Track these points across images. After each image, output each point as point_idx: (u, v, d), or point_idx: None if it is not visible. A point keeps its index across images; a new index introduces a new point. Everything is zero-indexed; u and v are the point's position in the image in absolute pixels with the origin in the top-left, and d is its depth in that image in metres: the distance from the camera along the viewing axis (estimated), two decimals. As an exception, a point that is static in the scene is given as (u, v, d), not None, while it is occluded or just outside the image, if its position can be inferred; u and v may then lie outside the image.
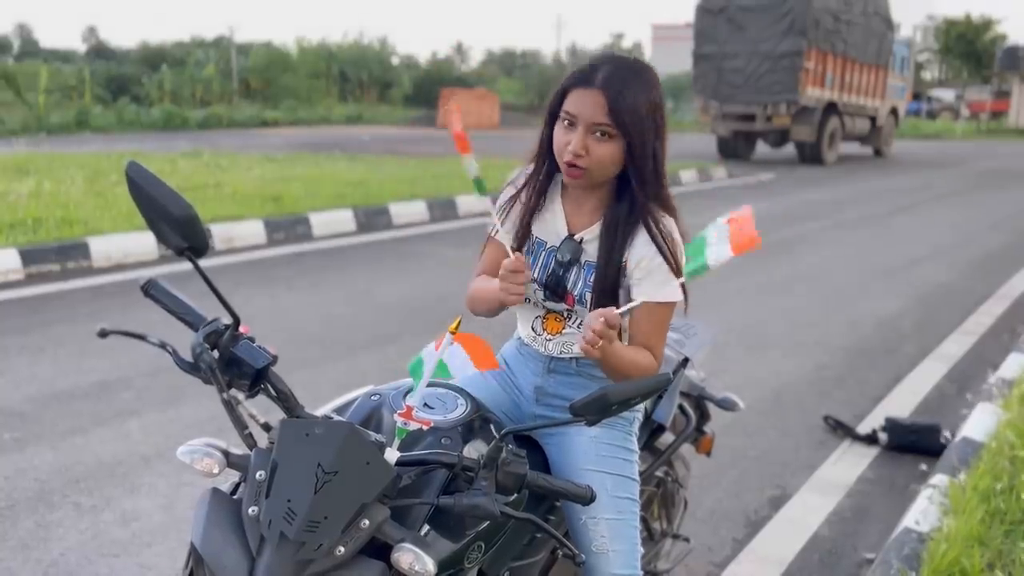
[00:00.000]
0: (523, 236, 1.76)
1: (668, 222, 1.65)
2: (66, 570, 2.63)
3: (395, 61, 42.15)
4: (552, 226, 1.74)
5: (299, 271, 6.80)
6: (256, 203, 8.90)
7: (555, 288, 1.70)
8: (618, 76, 1.58)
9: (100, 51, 45.29)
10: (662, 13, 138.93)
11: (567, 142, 1.60)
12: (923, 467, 3.55)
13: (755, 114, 17.50)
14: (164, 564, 2.67)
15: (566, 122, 1.62)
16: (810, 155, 17.93)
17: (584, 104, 1.59)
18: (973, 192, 14.04)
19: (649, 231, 1.63)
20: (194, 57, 31.77)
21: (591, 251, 1.69)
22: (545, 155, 1.71)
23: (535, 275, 1.72)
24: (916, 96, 36.20)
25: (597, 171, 1.61)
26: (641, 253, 1.64)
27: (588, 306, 1.66)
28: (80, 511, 2.97)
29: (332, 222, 8.56)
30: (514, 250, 1.70)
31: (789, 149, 19.14)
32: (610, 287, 1.66)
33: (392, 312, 5.62)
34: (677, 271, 1.62)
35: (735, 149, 18.56)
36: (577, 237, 1.70)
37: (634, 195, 1.64)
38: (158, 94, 28.47)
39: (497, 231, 1.74)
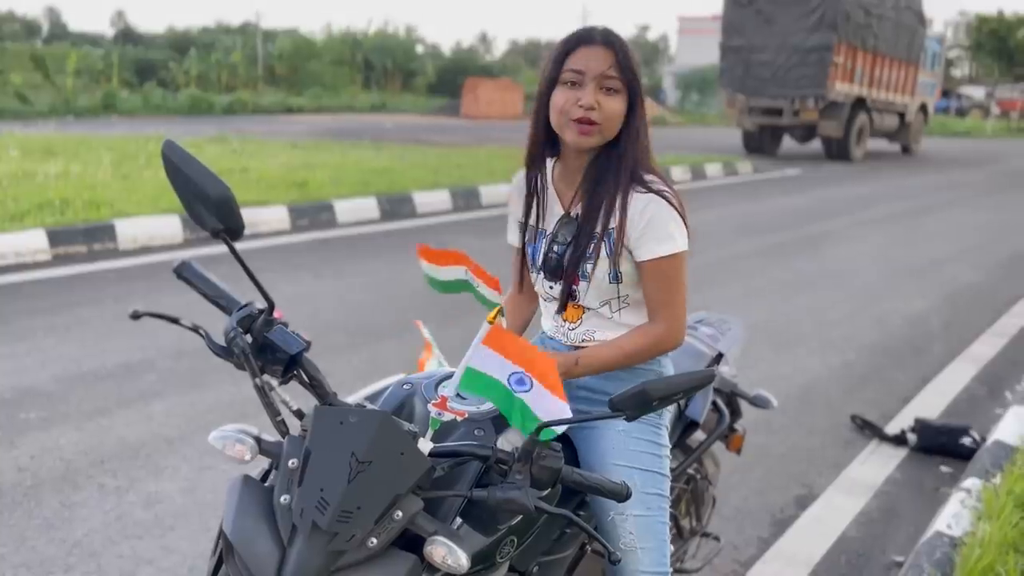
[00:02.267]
0: (531, 231, 1.77)
1: (655, 177, 1.65)
2: (90, 550, 2.64)
3: (420, 50, 42.13)
4: (549, 211, 1.75)
5: (323, 258, 6.80)
6: (281, 189, 8.93)
7: (555, 270, 1.70)
8: (616, 36, 1.64)
9: (128, 35, 45.56)
10: (689, 5, 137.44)
11: (576, 99, 1.59)
12: (943, 468, 3.50)
13: (782, 108, 17.33)
14: (186, 546, 2.67)
15: (570, 83, 1.62)
16: (837, 151, 17.72)
17: (594, 59, 1.61)
18: (1003, 192, 13.83)
19: (643, 184, 1.62)
20: (222, 43, 31.92)
21: None
22: (542, 143, 1.71)
23: (538, 263, 1.74)
24: (945, 93, 35.75)
25: (607, 126, 1.62)
26: (635, 211, 1.62)
27: (589, 280, 1.66)
28: (104, 492, 2.98)
29: (356, 209, 8.57)
30: (519, 249, 1.80)
31: (816, 145, 18.93)
32: (584, 245, 1.65)
33: (415, 300, 5.60)
34: (681, 216, 1.62)
35: (761, 144, 18.37)
36: (573, 213, 1.70)
37: (621, 158, 1.64)
38: (184, 79, 28.64)
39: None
